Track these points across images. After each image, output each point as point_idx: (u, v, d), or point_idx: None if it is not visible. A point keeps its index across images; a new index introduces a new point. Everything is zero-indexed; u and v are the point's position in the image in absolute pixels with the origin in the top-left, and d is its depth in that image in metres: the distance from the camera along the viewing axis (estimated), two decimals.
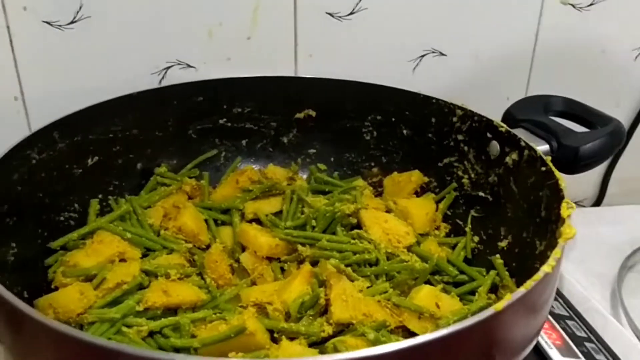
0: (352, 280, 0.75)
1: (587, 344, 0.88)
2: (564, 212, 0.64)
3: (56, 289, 0.74)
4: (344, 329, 0.71)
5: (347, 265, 0.76)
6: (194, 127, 1.00)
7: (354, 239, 0.81)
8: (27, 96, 0.96)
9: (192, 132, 1.00)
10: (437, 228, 0.92)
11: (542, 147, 0.81)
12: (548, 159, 0.74)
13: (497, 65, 1.11)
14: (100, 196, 0.91)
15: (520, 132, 0.84)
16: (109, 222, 0.83)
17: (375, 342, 0.67)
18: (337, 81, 1.00)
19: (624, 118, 1.18)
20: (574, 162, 0.78)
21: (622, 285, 1.05)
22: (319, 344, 0.69)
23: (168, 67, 1.00)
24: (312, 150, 1.06)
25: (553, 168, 0.72)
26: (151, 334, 0.69)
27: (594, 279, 1.08)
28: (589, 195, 1.27)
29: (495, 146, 0.85)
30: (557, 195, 0.68)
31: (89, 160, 0.89)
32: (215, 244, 0.83)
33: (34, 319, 0.53)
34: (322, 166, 1.05)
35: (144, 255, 0.82)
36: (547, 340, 0.85)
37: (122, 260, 0.79)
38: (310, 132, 1.04)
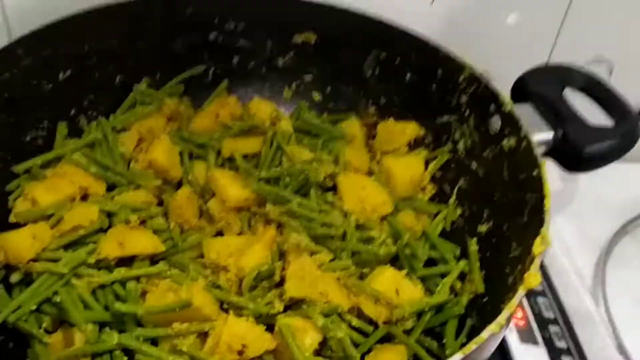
0: (314, 253, 0.73)
1: (552, 327, 0.87)
2: (536, 248, 0.59)
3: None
4: (298, 301, 0.70)
5: (312, 236, 0.73)
6: (181, 41, 0.92)
7: (326, 203, 0.77)
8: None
9: (179, 46, 0.92)
10: (423, 189, 0.88)
11: (545, 135, 0.74)
12: (543, 164, 0.66)
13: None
14: (73, 112, 0.86)
15: (526, 110, 0.76)
16: (76, 149, 0.79)
17: (324, 329, 0.66)
18: (343, 11, 0.89)
19: None
20: (575, 162, 0.71)
21: (613, 252, 1.01)
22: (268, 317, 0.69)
23: None
24: (308, 77, 0.98)
25: (545, 179, 0.65)
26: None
27: (585, 240, 1.04)
28: None
29: (496, 122, 0.77)
30: (539, 215, 0.62)
31: (61, 75, 0.83)
32: (182, 187, 0.80)
33: None
34: (316, 96, 0.98)
35: (111, 188, 0.80)
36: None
37: (84, 197, 0.77)
38: (308, 58, 0.96)
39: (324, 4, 0.89)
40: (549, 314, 0.89)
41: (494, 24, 1.00)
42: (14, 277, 0.68)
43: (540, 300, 0.91)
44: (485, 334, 0.52)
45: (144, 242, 0.72)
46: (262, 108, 0.90)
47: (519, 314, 0.87)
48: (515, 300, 0.54)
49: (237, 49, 0.95)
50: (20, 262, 0.67)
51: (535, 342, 0.83)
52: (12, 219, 0.71)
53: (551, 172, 0.76)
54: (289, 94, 0.99)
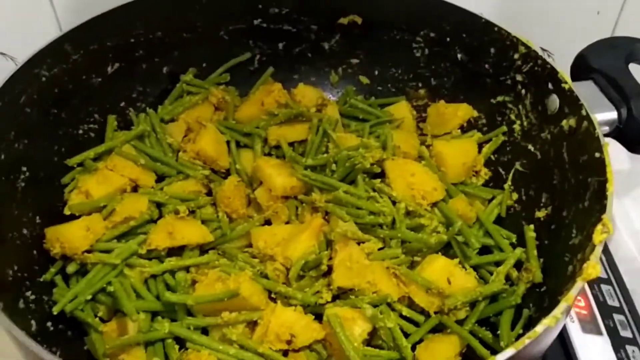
0: (362, 242, 0.71)
1: (616, 316, 0.82)
2: (596, 236, 0.55)
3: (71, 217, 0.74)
4: (346, 291, 0.69)
5: (360, 224, 0.72)
6: (226, 28, 0.91)
7: (374, 190, 0.75)
8: None
9: (224, 33, 0.92)
10: (477, 173, 0.84)
11: (607, 114, 0.69)
12: (606, 145, 0.62)
13: None
14: (122, 104, 0.87)
15: (587, 88, 0.72)
16: (126, 141, 0.80)
17: (373, 319, 0.65)
18: None
19: None
20: (638, 142, 0.66)
21: None
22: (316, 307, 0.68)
23: None
24: (355, 60, 0.96)
25: (608, 161, 0.60)
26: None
27: None
28: None
29: (554, 101, 0.73)
30: (600, 201, 0.58)
31: (109, 68, 0.84)
32: (230, 177, 0.79)
33: None
34: (364, 79, 0.96)
35: (160, 179, 0.81)
36: (570, 311, 0.80)
37: (135, 188, 0.78)
38: (355, 40, 0.93)
39: None
40: (613, 302, 0.84)
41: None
42: (70, 268, 0.70)
43: (605, 288, 0.86)
44: (539, 328, 0.49)
45: (192, 232, 0.72)
46: (307, 94, 0.89)
47: (581, 302, 0.82)
48: (573, 293, 0.51)
49: (282, 34, 0.93)
50: (75, 253, 0.69)
51: (598, 332, 0.79)
52: (66, 211, 0.73)
53: (618, 151, 0.71)
54: (335, 78, 0.97)
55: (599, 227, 0.56)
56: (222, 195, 0.77)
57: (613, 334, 0.79)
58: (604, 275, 0.88)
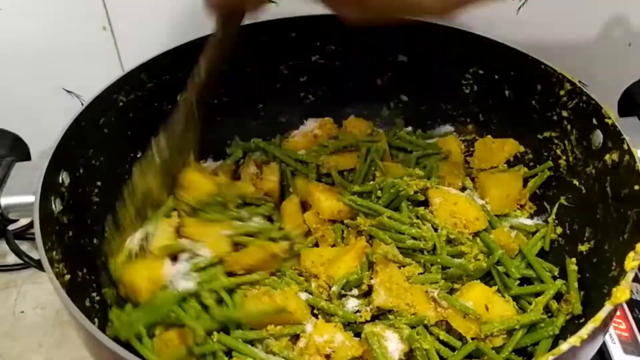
0: (403, 266, 0.74)
1: None
2: (628, 263, 0.56)
3: None
4: (385, 312, 0.72)
5: (402, 249, 0.75)
6: (286, 64, 0.98)
7: (417, 217, 0.78)
8: (115, 26, 0.98)
9: (284, 68, 0.98)
10: (522, 206, 0.86)
11: None
12: None
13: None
14: None
15: (632, 125, 0.73)
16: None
17: (409, 339, 0.67)
18: (440, 27, 0.90)
19: None
20: None
21: None
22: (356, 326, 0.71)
23: None
24: (405, 97, 1.00)
25: None
26: None
27: None
28: None
29: (598, 136, 0.74)
30: (638, 232, 0.59)
31: (179, 97, 0.91)
32: (291, 195, 0.85)
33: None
34: (413, 114, 1.00)
35: None
36: (612, 333, 0.79)
37: None
38: (405, 77, 0.98)
39: (423, 22, 0.90)
40: None
41: (592, 31, 0.97)
42: None
43: None
44: (564, 347, 0.50)
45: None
46: (358, 125, 0.94)
47: (622, 325, 0.82)
48: (601, 315, 0.52)
49: (336, 71, 0.99)
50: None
51: None
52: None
53: None
54: (386, 112, 1.01)
55: (631, 254, 0.56)
56: (284, 214, 0.82)
57: None
58: None
